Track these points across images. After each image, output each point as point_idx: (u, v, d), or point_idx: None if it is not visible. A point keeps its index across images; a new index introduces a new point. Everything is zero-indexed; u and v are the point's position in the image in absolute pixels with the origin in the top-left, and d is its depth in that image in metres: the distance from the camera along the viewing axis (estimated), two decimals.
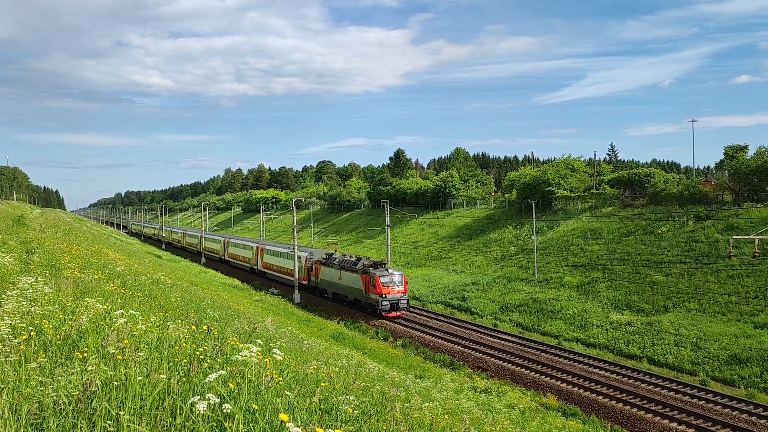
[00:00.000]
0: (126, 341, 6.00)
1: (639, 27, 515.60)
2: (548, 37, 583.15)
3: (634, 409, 27.99)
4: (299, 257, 63.28)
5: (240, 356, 5.52)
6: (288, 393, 5.27)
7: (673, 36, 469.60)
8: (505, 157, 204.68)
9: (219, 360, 6.13)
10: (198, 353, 6.38)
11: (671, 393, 30.03)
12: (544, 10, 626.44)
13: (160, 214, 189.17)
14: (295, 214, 69.56)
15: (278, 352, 5.54)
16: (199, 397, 4.09)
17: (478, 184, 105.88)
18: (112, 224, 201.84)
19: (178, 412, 4.21)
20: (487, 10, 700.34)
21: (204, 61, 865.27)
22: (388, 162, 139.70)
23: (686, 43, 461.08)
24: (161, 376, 4.73)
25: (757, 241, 39.32)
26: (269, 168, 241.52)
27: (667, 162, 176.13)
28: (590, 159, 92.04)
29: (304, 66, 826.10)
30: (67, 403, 4.15)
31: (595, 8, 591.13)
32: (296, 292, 59.04)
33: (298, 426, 3.87)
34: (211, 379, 4.59)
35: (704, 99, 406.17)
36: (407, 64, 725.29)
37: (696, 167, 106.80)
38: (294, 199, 79.03)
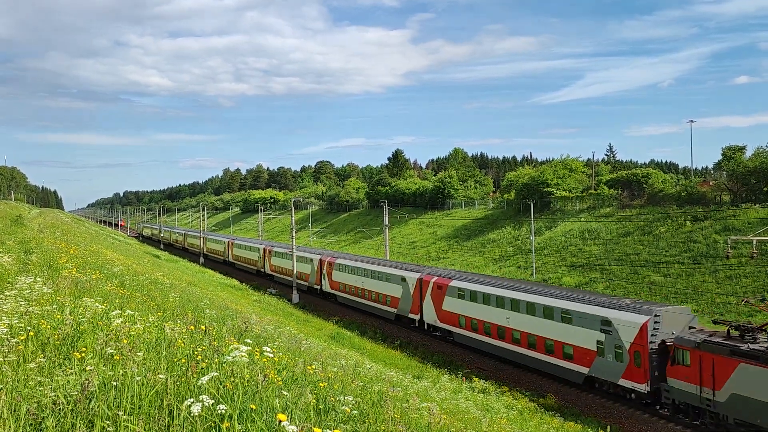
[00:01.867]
0: (124, 341, 6.01)
1: (638, 27, 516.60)
2: (547, 37, 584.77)
3: (632, 409, 28.01)
4: (605, 322, 29.18)
5: (232, 356, 5.53)
6: (285, 393, 5.28)
7: (672, 36, 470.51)
8: (504, 157, 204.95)
9: (216, 360, 6.14)
10: (196, 353, 6.40)
11: None
12: (542, 10, 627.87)
13: (159, 215, 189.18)
14: (293, 215, 69.55)
15: (268, 349, 5.55)
16: (193, 399, 4.10)
17: (477, 184, 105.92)
18: (110, 224, 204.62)
19: (175, 412, 4.22)
20: (486, 9, 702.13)
21: (203, 61, 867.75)
22: (387, 162, 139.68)
23: (686, 43, 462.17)
24: (159, 376, 4.74)
25: (755, 242, 39.37)
26: (268, 168, 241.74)
27: (665, 162, 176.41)
28: (588, 159, 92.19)
29: (304, 66, 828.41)
30: (65, 403, 4.16)
31: (593, 8, 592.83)
32: (294, 292, 59.02)
33: (296, 426, 3.88)
34: (204, 381, 4.59)
35: (703, 99, 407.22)
36: (406, 63, 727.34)
37: (694, 168, 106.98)
38: (292, 200, 78.99)
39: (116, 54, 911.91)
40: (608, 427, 25.42)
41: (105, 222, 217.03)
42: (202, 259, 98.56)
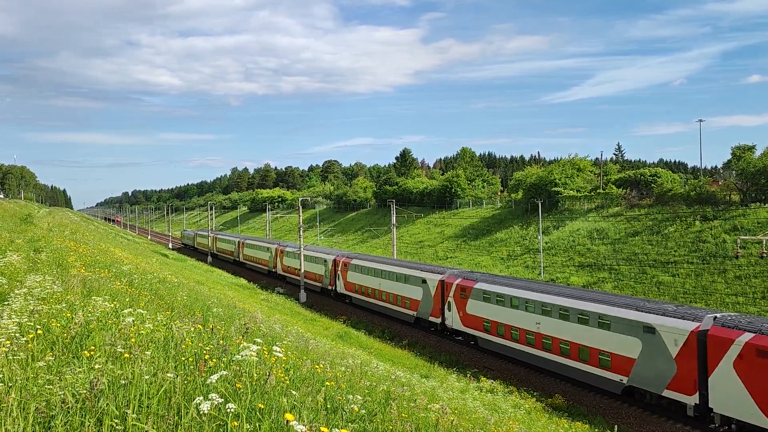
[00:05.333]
0: (133, 340, 6.03)
1: (648, 26, 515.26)
2: (556, 36, 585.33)
3: (640, 410, 27.90)
4: None
5: (242, 355, 5.54)
6: (293, 392, 5.28)
7: (683, 35, 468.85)
8: (512, 156, 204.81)
9: (224, 359, 6.15)
10: (204, 352, 6.41)
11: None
12: (552, 9, 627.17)
13: (167, 213, 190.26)
14: (301, 214, 69.61)
15: (278, 349, 5.55)
16: (202, 398, 4.10)
17: (484, 183, 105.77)
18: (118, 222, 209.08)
19: (183, 411, 4.23)
20: (496, 8, 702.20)
21: (212, 60, 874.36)
22: (395, 161, 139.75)
23: (697, 42, 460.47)
24: (168, 375, 4.75)
25: (764, 242, 39.11)
26: (275, 167, 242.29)
27: (674, 162, 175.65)
28: (596, 159, 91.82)
29: (313, 65, 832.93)
30: (74, 401, 4.17)
31: (603, 7, 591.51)
32: (302, 291, 59.09)
33: (303, 425, 3.88)
34: (214, 380, 4.60)
35: (714, 98, 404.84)
36: (416, 63, 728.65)
37: (703, 167, 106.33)
38: (300, 199, 78.93)
39: (126, 53, 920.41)
40: (615, 427, 25.31)
41: (110, 220, 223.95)
42: (209, 258, 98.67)
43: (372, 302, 51.60)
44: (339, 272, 56.80)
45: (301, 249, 62.87)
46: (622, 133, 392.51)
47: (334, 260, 57.52)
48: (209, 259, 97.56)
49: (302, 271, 61.78)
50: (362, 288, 52.90)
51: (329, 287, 58.68)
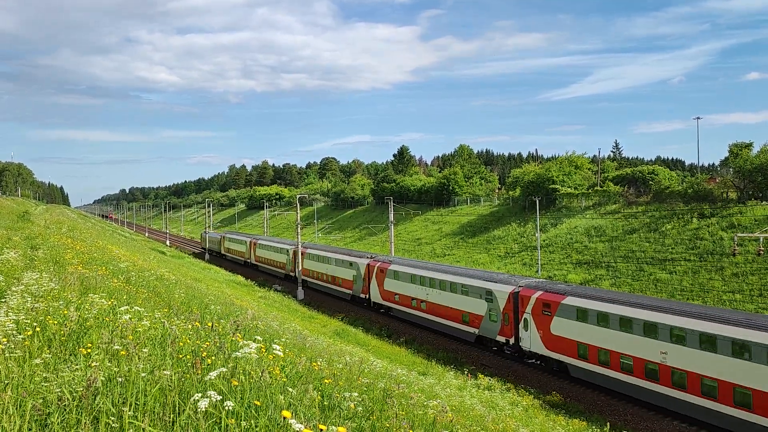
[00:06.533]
0: (130, 337, 6.02)
1: (647, 23, 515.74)
2: (556, 33, 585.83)
3: (637, 407, 27.96)
4: None
5: (242, 353, 5.53)
6: (291, 389, 5.28)
7: (682, 33, 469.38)
8: (509, 154, 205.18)
9: (222, 357, 6.14)
10: (201, 350, 6.40)
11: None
12: (552, 6, 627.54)
13: (164, 211, 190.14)
14: (298, 211, 69.50)
15: (278, 348, 5.54)
16: (200, 395, 4.09)
17: (482, 181, 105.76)
18: (115, 219, 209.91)
19: (180, 408, 4.22)
20: (495, 5, 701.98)
21: (211, 57, 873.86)
22: (392, 159, 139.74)
23: (696, 39, 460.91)
24: (165, 372, 4.74)
25: (761, 239, 39.18)
26: (273, 164, 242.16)
27: (672, 159, 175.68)
28: (594, 156, 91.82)
29: (312, 62, 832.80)
30: (70, 398, 4.16)
31: (603, 4, 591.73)
32: (299, 288, 59.05)
33: (300, 422, 3.88)
34: (212, 377, 4.59)
35: (713, 96, 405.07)
36: (415, 60, 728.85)
37: (701, 165, 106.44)
38: (298, 196, 78.66)
39: (126, 51, 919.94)
40: (608, 424, 25.36)
41: (105, 216, 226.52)
42: (207, 256, 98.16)
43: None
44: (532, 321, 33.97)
45: (299, 246, 62.77)
46: (620, 130, 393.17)
47: (518, 294, 34.96)
48: (206, 256, 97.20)
49: (300, 268, 61.69)
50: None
51: (506, 341, 36.59)
